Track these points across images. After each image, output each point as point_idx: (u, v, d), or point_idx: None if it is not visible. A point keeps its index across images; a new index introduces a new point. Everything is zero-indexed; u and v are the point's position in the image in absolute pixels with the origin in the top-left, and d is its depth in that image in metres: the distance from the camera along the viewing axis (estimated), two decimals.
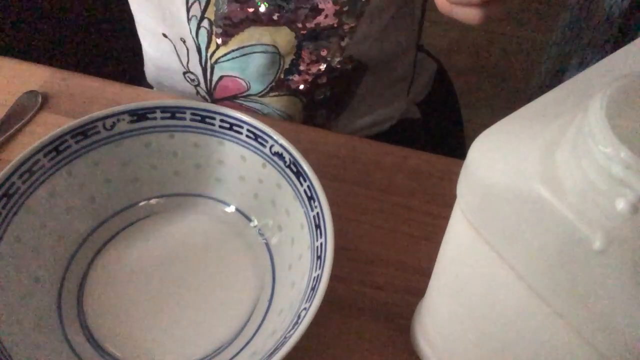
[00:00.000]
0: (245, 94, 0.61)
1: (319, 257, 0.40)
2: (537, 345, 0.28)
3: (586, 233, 0.22)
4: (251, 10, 0.53)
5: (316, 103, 0.62)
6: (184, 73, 0.62)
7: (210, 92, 0.62)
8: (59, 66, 0.60)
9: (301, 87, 0.59)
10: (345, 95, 0.63)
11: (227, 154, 0.48)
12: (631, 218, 0.21)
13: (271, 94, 0.60)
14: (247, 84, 0.60)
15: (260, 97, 0.61)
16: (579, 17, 0.68)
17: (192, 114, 0.47)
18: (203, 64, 0.59)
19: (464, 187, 0.29)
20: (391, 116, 0.69)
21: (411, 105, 0.71)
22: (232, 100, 0.62)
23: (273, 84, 0.59)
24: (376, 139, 0.71)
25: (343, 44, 0.56)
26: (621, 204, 0.21)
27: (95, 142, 0.46)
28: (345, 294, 0.45)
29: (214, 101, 0.63)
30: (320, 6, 0.52)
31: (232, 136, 0.47)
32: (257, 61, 0.57)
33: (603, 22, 0.60)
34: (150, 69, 0.69)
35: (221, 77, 0.60)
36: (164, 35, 0.59)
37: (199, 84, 0.62)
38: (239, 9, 0.53)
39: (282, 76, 0.58)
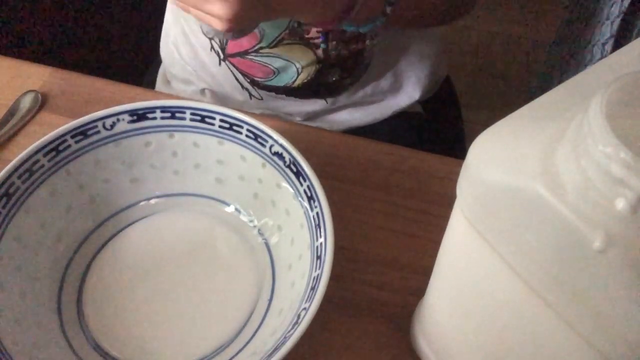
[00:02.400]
0: (256, 47, 0.61)
1: (318, 257, 0.40)
2: (537, 344, 0.28)
3: (586, 233, 0.22)
4: None
5: (330, 59, 0.62)
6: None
7: (223, 46, 0.63)
8: (59, 66, 0.60)
9: (313, 36, 0.59)
10: (359, 57, 0.63)
11: (227, 153, 0.48)
12: (631, 218, 0.21)
13: (284, 42, 0.60)
14: (260, 33, 0.60)
15: (271, 48, 0.61)
16: (579, 17, 0.68)
17: (192, 113, 0.47)
18: None
19: (464, 187, 0.29)
20: (409, 96, 0.70)
21: (415, 103, 0.71)
22: (242, 56, 0.63)
23: (287, 30, 0.59)
24: (379, 127, 0.70)
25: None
26: (621, 204, 0.21)
27: (95, 142, 0.46)
28: (345, 294, 0.45)
29: (226, 57, 0.64)
30: None
31: (231, 136, 0.47)
32: None
33: (603, 21, 0.60)
34: (168, 33, 0.70)
35: None
36: None
37: (214, 37, 0.63)
38: None
39: (295, 24, 0.58)
